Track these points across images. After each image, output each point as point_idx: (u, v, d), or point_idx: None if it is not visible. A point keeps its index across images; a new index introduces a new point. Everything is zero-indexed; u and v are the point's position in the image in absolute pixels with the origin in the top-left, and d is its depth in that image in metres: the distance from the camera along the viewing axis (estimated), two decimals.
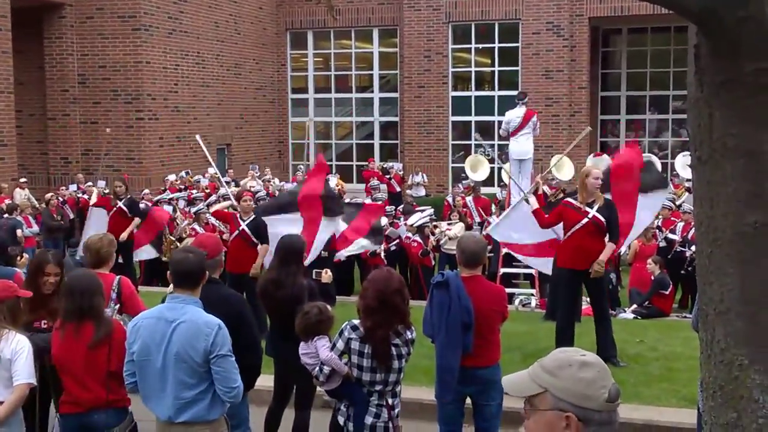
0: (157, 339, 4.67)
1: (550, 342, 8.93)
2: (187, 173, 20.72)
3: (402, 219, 16.09)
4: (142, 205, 15.14)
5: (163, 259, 15.00)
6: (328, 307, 5.79)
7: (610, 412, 2.34)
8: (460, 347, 5.77)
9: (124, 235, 13.24)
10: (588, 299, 9.76)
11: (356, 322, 5.17)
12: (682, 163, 19.55)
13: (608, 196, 9.36)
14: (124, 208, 13.90)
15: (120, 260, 13.88)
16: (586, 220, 8.78)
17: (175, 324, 4.65)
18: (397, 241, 15.02)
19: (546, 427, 2.36)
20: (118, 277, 6.54)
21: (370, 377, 5.11)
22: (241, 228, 10.96)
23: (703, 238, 2.59)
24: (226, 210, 11.78)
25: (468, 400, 6.10)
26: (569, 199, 9.31)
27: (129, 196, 14.34)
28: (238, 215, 11.12)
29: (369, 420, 5.13)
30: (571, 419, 2.32)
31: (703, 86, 2.55)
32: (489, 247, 14.45)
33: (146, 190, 19.16)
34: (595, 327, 9.05)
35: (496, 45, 25.97)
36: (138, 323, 4.81)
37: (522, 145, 14.53)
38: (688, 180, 19.05)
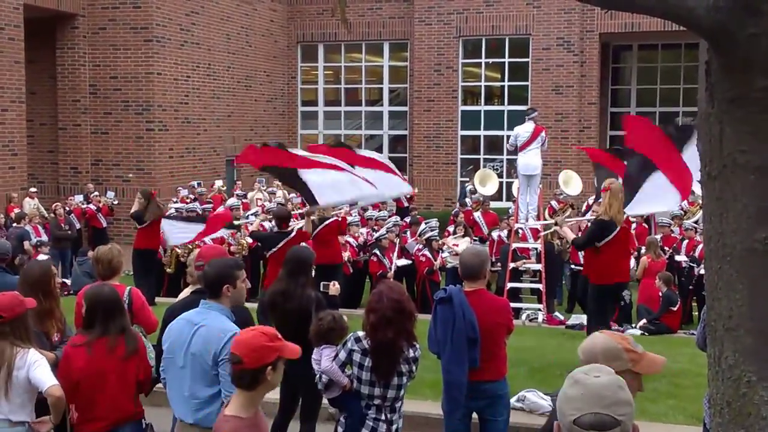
0: (182, 340, 4.92)
1: (557, 356, 8.91)
2: (198, 184, 20.76)
3: (408, 232, 16.08)
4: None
5: (168, 270, 15.03)
6: (344, 317, 5.81)
7: None
8: (466, 362, 5.74)
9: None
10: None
11: (360, 334, 5.17)
12: (696, 180, 19.48)
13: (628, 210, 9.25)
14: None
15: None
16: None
17: (197, 327, 4.90)
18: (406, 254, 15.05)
19: None
20: (128, 288, 6.57)
21: (369, 391, 5.10)
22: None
23: (712, 254, 2.58)
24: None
25: (474, 415, 6.08)
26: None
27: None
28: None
29: None
30: (557, 429, 2.36)
31: (714, 102, 2.55)
32: (495, 262, 14.54)
33: (174, 199, 19.10)
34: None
35: (507, 60, 26.01)
36: (172, 325, 5.10)
37: (530, 160, 14.52)
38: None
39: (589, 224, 9.51)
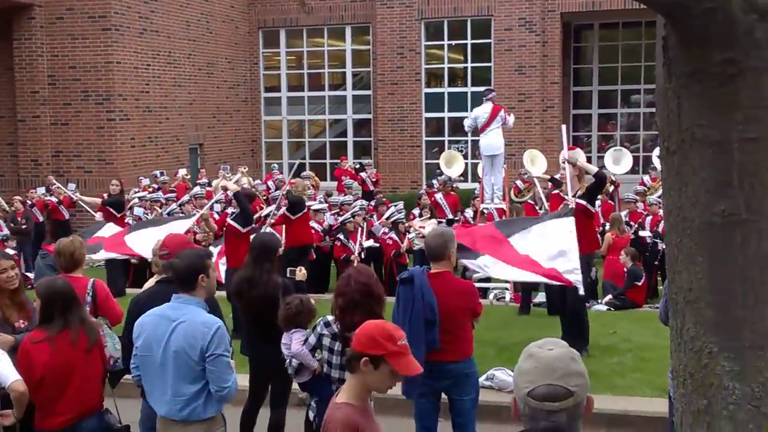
0: (158, 336, 4.79)
1: (524, 335, 8.98)
2: (161, 173, 20.58)
3: (375, 215, 16.08)
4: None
5: (133, 261, 14.90)
6: (312, 300, 5.81)
7: (534, 409, 2.33)
8: (422, 343, 5.77)
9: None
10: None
11: (330, 318, 5.18)
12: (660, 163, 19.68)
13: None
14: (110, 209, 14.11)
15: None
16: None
17: (176, 323, 4.77)
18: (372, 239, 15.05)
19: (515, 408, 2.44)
20: (92, 280, 6.50)
21: (339, 374, 5.10)
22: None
23: (672, 228, 2.61)
24: None
25: (445, 396, 6.11)
26: (558, 191, 9.58)
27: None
28: None
29: None
30: (513, 403, 2.41)
31: (672, 77, 2.56)
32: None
33: (136, 189, 18.93)
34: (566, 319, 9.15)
35: (469, 41, 26.00)
36: (143, 320, 4.94)
37: (492, 141, 14.56)
38: None
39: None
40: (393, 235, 14.92)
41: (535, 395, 2.31)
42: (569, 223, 8.53)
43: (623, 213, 15.39)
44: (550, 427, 2.31)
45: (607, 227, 14.62)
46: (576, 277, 8.28)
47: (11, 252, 11.97)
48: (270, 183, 20.71)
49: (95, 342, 5.29)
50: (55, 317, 5.11)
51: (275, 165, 25.19)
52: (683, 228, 2.55)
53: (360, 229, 14.86)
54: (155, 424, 5.28)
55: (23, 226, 17.07)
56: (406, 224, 15.22)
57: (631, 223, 15.07)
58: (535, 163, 16.33)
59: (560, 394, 2.30)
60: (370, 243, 14.88)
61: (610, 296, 13.26)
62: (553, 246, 8.38)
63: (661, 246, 13.91)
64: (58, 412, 5.10)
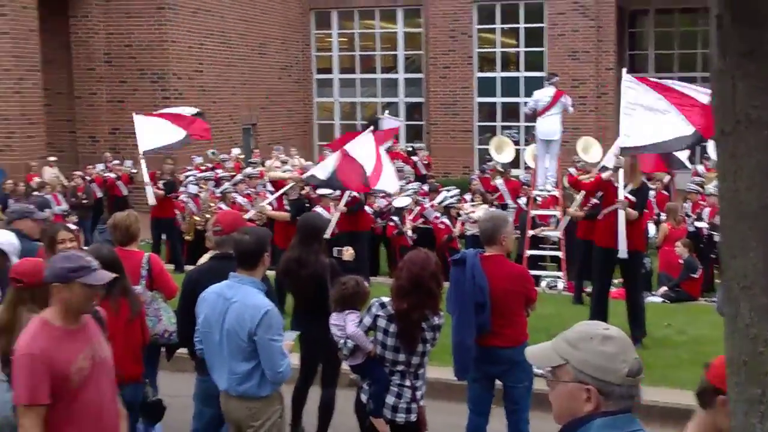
0: (216, 314, 4.89)
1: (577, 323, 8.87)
2: (213, 153, 20.73)
3: (427, 199, 16.02)
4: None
5: (186, 237, 15.09)
6: (366, 282, 5.79)
7: (630, 387, 2.38)
8: (473, 325, 5.75)
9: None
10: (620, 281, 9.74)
11: (385, 299, 5.15)
12: (714, 146, 19.29)
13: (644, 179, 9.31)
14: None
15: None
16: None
17: (230, 303, 4.85)
18: (423, 221, 14.99)
19: (567, 398, 2.40)
20: (147, 254, 6.57)
21: (393, 357, 5.08)
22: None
23: (727, 212, 2.55)
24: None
25: (499, 383, 6.07)
26: (611, 179, 9.39)
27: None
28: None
29: (391, 399, 5.11)
30: (591, 392, 2.36)
31: (726, 57, 2.49)
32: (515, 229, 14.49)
33: (190, 167, 19.05)
34: (627, 309, 9.01)
35: (522, 25, 25.75)
36: (204, 296, 5.03)
37: (550, 125, 14.41)
38: None
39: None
40: (445, 219, 14.86)
41: (633, 372, 2.36)
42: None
43: (686, 204, 15.05)
44: (639, 399, 2.40)
45: (663, 217, 14.37)
46: None
47: (72, 227, 12.19)
48: None
49: (137, 313, 5.40)
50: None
51: (327, 150, 25.20)
52: (738, 212, 2.49)
53: (411, 212, 14.82)
54: (209, 399, 5.34)
55: (84, 201, 17.35)
56: (458, 208, 15.15)
57: (691, 214, 14.75)
58: (589, 152, 16.13)
59: (641, 364, 2.40)
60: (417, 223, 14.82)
61: (665, 288, 13.05)
62: None
63: (718, 237, 13.65)
64: None
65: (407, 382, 5.12)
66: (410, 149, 23.18)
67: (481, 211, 14.88)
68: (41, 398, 3.77)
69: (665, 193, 16.49)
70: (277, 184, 15.15)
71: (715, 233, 13.92)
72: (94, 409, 3.96)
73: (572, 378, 2.37)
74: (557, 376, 2.41)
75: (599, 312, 8.92)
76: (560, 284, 13.26)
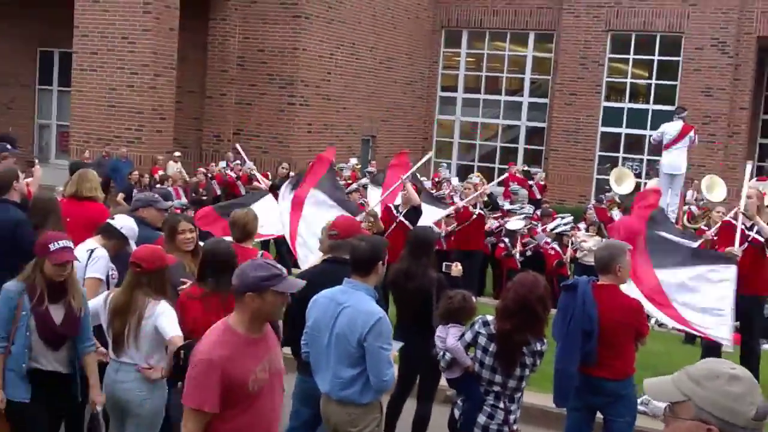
0: (327, 318, 4.93)
1: (686, 363, 8.53)
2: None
3: (539, 224, 15.80)
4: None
5: None
6: (473, 298, 5.76)
7: (754, 430, 2.28)
8: (578, 353, 5.64)
9: None
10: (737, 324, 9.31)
11: (489, 318, 5.10)
12: None
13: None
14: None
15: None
16: (746, 244, 8.44)
17: (342, 307, 4.88)
18: (533, 246, 14.78)
19: None
20: (260, 252, 6.70)
21: (489, 376, 5.02)
22: (398, 219, 11.26)
23: None
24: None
25: (599, 415, 5.92)
26: (730, 218, 9.00)
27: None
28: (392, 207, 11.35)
29: (482, 419, 5.04)
30: None
31: None
32: None
33: None
34: (740, 358, 8.63)
35: (656, 57, 25.18)
36: (316, 300, 5.07)
37: (675, 159, 14.04)
38: None
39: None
40: (555, 245, 14.62)
41: (760, 415, 2.27)
42: (730, 272, 7.87)
43: None
44: None
45: None
46: (719, 333, 7.71)
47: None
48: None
49: None
50: (207, 278, 5.29)
51: (444, 164, 25.23)
52: None
53: (525, 236, 14.65)
54: (308, 400, 5.39)
55: (204, 197, 17.85)
56: (570, 235, 14.89)
57: None
58: (712, 191, 15.60)
59: None
60: (516, 224, 14.61)
61: None
62: (703, 298, 7.81)
63: None
64: None
65: (501, 404, 5.04)
66: (524, 170, 22.93)
67: (592, 241, 14.57)
68: (208, 405, 3.74)
69: None
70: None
71: None
72: (266, 420, 3.95)
73: (693, 416, 2.29)
74: (675, 412, 2.33)
75: (710, 353, 8.57)
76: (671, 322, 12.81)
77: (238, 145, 16.03)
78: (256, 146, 21.75)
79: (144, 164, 18.91)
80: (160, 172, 17.81)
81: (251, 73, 22.07)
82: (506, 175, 21.12)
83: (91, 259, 5.86)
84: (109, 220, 6.19)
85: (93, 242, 6.03)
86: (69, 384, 5.19)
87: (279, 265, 3.94)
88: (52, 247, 4.95)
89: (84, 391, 5.28)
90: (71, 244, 5.12)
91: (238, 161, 19.84)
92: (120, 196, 16.77)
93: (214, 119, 22.28)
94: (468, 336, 5.15)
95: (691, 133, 14.17)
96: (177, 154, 19.92)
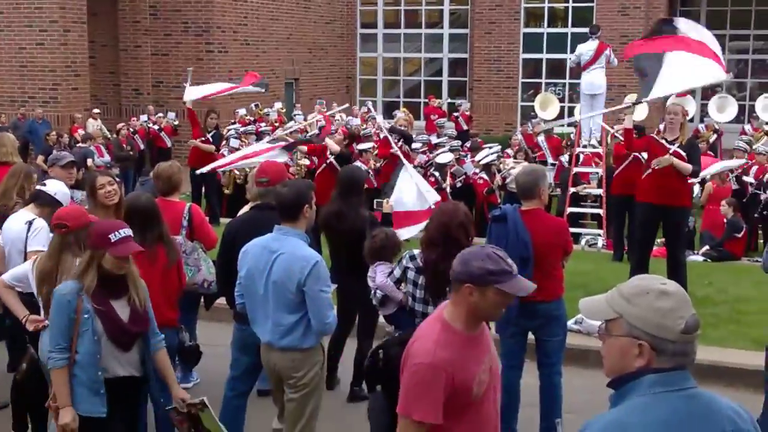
0: (261, 267, 4.85)
1: (615, 281, 8.77)
2: (256, 106, 20.78)
3: (468, 156, 15.92)
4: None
5: (225, 191, 15.18)
6: (397, 234, 5.79)
7: (685, 344, 2.32)
8: None
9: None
10: (662, 240, 9.61)
11: (416, 251, 5.14)
12: (763, 106, 18.91)
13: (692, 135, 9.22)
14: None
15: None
16: (667, 155, 8.66)
17: (277, 254, 4.81)
18: (463, 178, 14.90)
19: (618, 352, 2.36)
20: (188, 204, 6.61)
21: (423, 309, 5.07)
22: (329, 161, 11.26)
23: None
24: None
25: (531, 336, 6.06)
26: (654, 135, 9.26)
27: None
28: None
29: None
30: (643, 347, 2.31)
31: None
32: (556, 186, 14.34)
33: (233, 121, 19.10)
34: (666, 270, 8.90)
35: None
36: (247, 249, 4.99)
37: (594, 79, 14.21)
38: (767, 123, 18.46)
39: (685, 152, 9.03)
40: (483, 175, 14.76)
41: (690, 328, 2.31)
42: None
43: (736, 163, 14.70)
44: (694, 356, 2.36)
45: (708, 177, 14.12)
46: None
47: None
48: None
49: (174, 261, 5.40)
50: (133, 233, 5.00)
51: (369, 102, 25.11)
52: None
53: (453, 167, 14.75)
54: (247, 348, 5.40)
55: (130, 152, 17.52)
56: (498, 163, 15.04)
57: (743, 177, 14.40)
58: (546, 108, 15.85)
59: (699, 321, 2.35)
60: (446, 157, 14.76)
61: (707, 247, 12.88)
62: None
63: (764, 197, 13.40)
64: None
65: None
66: (451, 102, 23.00)
67: (520, 167, 14.76)
68: (433, 417, 3.21)
69: (710, 153, 16.20)
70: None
71: (760, 192, 13.68)
72: (492, 426, 3.48)
73: (624, 332, 2.33)
74: (609, 329, 2.37)
75: (639, 269, 8.82)
76: (600, 242, 13.15)
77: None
78: (177, 96, 21.30)
79: (63, 124, 18.44)
80: (81, 131, 17.39)
81: (165, 23, 21.53)
82: (425, 108, 21.18)
83: (31, 230, 5.69)
84: (40, 187, 6.02)
85: (28, 212, 5.86)
86: (142, 388, 4.77)
87: (510, 261, 3.36)
88: (113, 237, 4.38)
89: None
90: (131, 232, 4.57)
91: (160, 113, 19.44)
92: (39, 159, 16.34)
93: (131, 72, 21.75)
94: (397, 272, 5.19)
95: (607, 51, 14.34)
96: (96, 110, 19.46)
